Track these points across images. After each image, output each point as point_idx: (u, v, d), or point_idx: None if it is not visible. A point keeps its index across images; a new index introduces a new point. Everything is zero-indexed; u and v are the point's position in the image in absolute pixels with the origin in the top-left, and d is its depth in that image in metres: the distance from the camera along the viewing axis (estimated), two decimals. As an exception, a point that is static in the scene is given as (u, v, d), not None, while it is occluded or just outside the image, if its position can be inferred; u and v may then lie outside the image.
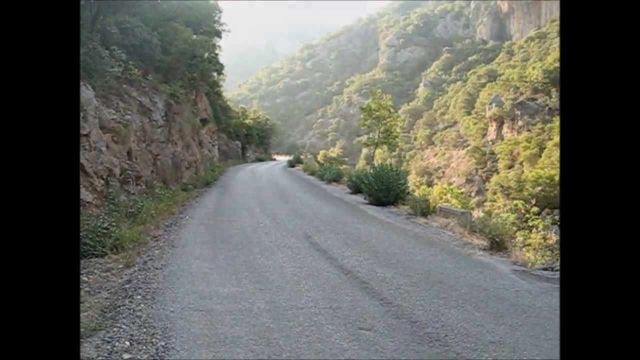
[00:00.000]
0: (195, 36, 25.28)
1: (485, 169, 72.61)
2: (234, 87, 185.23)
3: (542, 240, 34.03)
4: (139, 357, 4.09)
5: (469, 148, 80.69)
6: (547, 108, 67.02)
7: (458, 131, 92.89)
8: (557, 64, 63.02)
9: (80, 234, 7.64)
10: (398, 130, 31.91)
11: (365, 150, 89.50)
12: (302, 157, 51.41)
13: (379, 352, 4.35)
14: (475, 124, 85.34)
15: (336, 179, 24.77)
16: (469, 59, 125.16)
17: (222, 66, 33.25)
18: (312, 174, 31.03)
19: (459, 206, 20.91)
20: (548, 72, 67.50)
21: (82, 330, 4.52)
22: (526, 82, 72.25)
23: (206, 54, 27.90)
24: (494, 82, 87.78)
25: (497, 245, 9.37)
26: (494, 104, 78.23)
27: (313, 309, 5.46)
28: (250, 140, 60.51)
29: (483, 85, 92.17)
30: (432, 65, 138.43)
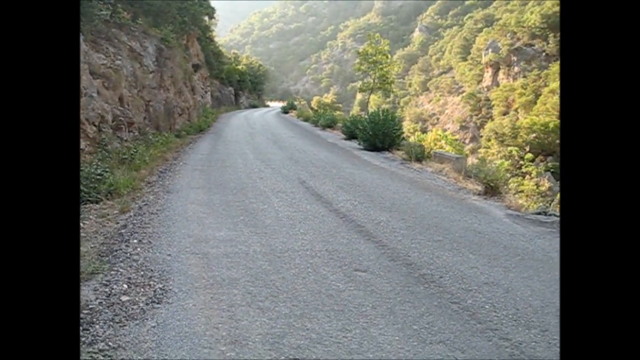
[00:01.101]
0: (185, -22, 24.56)
1: (480, 115, 72.23)
2: (226, 32, 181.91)
3: (535, 187, 34.32)
4: (137, 299, 4.11)
5: (464, 94, 79.97)
6: (544, 54, 66.10)
7: (453, 77, 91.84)
8: (556, 9, 61.85)
9: (74, 179, 7.61)
10: (394, 75, 31.46)
11: (359, 97, 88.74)
12: (296, 103, 51.02)
13: (374, 292, 4.40)
14: (470, 70, 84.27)
15: (330, 125, 24.67)
16: (466, 3, 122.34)
17: (213, 10, 32.47)
18: (306, 120, 30.87)
19: (454, 152, 20.91)
20: (546, 16, 66.13)
21: (82, 274, 4.55)
22: (523, 27, 70.94)
23: (197, -3, 27.21)
24: (490, 27, 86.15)
25: (492, 190, 9.41)
26: (490, 50, 77.03)
27: (309, 252, 5.49)
28: (243, 86, 59.86)
29: (480, 31, 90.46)
30: (427, 9, 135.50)
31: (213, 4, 31.87)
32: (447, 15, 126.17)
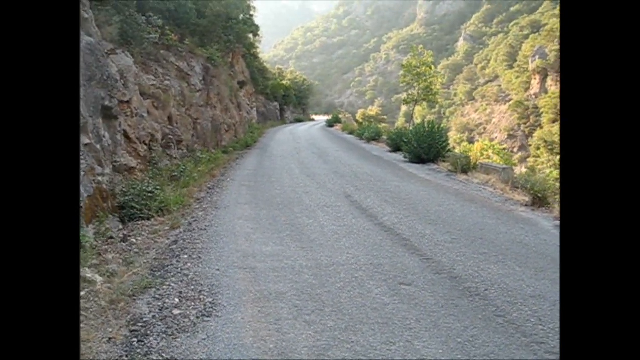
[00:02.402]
0: (229, -2, 25.15)
1: (528, 124, 70.87)
2: (270, 48, 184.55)
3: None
4: (188, 312, 4.28)
5: (511, 103, 78.67)
6: (593, 58, 64.48)
7: (499, 86, 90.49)
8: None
9: (127, 197, 7.92)
10: (438, 86, 31.28)
11: (404, 108, 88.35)
12: (340, 116, 51.23)
13: (419, 306, 4.44)
14: (517, 77, 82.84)
15: (375, 137, 24.69)
16: (511, 9, 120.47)
17: (257, 27, 33.01)
18: (351, 133, 30.98)
19: (501, 163, 20.58)
20: (595, 20, 64.57)
21: (133, 288, 4.76)
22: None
23: (241, 16, 27.73)
24: (537, 34, 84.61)
25: (540, 201, 9.27)
26: (537, 56, 75.64)
27: (354, 266, 5.57)
28: (288, 101, 60.47)
29: (526, 37, 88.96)
30: (472, 17, 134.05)
31: (257, 21, 32.40)
32: (492, 23, 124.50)
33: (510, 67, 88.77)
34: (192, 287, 4.87)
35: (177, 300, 4.55)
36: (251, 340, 3.74)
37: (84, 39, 7.54)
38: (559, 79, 68.96)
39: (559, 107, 61.22)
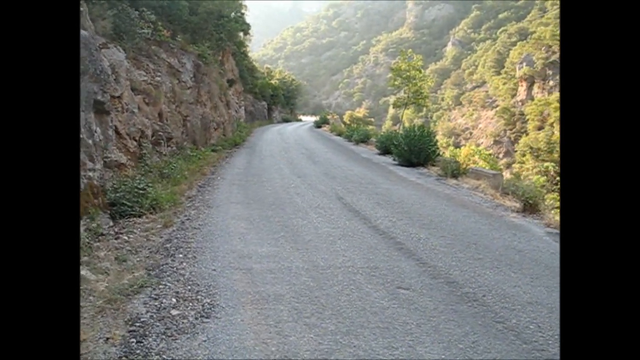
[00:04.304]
0: (221, -5, 25.02)
1: (514, 130, 71.45)
2: (259, 47, 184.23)
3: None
4: (186, 313, 4.22)
5: (497, 109, 79.30)
6: (579, 67, 65.14)
7: (487, 91, 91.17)
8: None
9: (118, 194, 7.82)
10: (427, 90, 31.38)
11: (391, 111, 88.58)
12: (328, 117, 51.23)
13: (418, 310, 4.42)
14: (504, 83, 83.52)
15: (364, 139, 24.72)
16: (500, 16, 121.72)
17: (248, 26, 32.79)
18: (339, 134, 30.99)
19: (487, 168, 20.72)
20: (582, 29, 65.26)
21: (129, 287, 4.69)
22: (559, 40, 70.12)
23: (233, 14, 27.61)
24: (525, 41, 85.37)
25: (530, 207, 9.33)
26: (524, 64, 76.33)
27: (351, 269, 5.54)
28: (276, 100, 60.39)
29: (514, 44, 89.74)
30: (461, 23, 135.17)
31: (247, 19, 32.21)
32: (481, 29, 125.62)
33: (498, 73, 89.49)
34: (189, 287, 4.80)
35: (174, 300, 4.48)
36: (252, 343, 3.69)
37: (79, 33, 7.43)
38: (544, 86, 69.75)
39: (544, 114, 61.90)
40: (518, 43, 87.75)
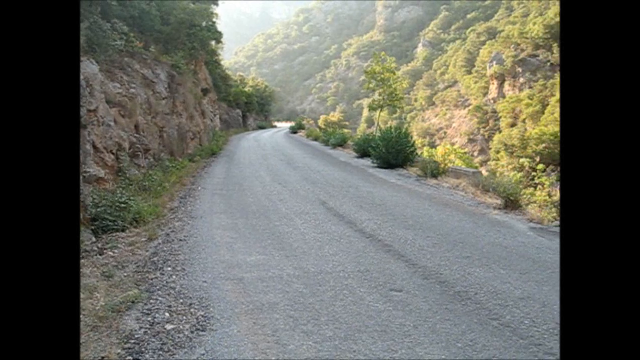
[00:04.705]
0: (192, 5, 24.86)
1: (487, 127, 72.24)
2: (231, 55, 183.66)
3: (547, 197, 34.14)
4: (181, 327, 4.16)
5: (470, 107, 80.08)
6: (548, 64, 66.22)
7: (459, 91, 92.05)
8: (558, 19, 61.98)
9: (99, 209, 7.69)
10: (402, 92, 31.55)
11: (365, 113, 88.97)
12: (304, 122, 51.25)
13: (413, 312, 4.43)
14: (476, 82, 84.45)
15: (341, 143, 24.77)
16: (468, 16, 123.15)
17: (220, 34, 32.60)
18: (316, 139, 31.04)
19: (463, 166, 20.93)
20: (549, 27, 66.43)
21: (120, 303, 4.61)
22: (527, 38, 71.18)
23: (204, 23, 27.46)
24: (494, 40, 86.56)
25: (512, 203, 9.44)
26: (494, 62, 77.29)
27: (341, 273, 5.53)
28: (251, 108, 60.16)
29: (483, 43, 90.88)
30: (430, 24, 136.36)
31: (218, 27, 32.05)
32: (450, 29, 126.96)
33: (469, 72, 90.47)
34: (181, 301, 4.74)
35: (167, 314, 4.41)
36: (252, 354, 3.65)
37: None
38: (515, 84, 70.74)
39: (516, 111, 62.77)
40: (487, 42, 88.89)
